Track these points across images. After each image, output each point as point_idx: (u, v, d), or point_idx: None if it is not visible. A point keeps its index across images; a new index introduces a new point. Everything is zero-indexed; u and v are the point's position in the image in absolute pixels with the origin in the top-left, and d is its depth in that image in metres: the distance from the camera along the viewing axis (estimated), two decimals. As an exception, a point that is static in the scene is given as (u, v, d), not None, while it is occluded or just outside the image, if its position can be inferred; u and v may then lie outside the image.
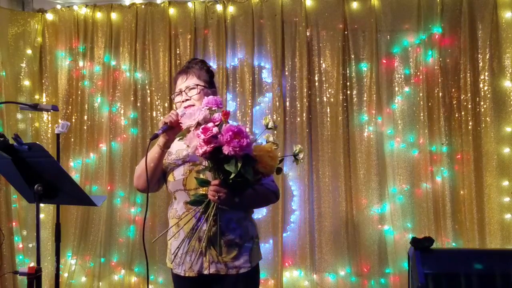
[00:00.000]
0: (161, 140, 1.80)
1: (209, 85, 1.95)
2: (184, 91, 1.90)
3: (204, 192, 1.72)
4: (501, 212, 3.32)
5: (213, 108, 1.63)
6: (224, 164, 1.56)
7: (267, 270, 3.53)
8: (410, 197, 3.47)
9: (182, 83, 1.92)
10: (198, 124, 1.58)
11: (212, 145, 1.52)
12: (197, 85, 1.89)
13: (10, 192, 3.61)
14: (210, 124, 1.55)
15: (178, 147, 1.87)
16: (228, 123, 1.60)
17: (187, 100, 1.88)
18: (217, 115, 1.61)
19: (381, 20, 3.52)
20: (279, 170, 1.70)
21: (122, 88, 3.81)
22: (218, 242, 1.72)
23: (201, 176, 1.74)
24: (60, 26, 3.88)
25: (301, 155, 1.73)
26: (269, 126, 1.71)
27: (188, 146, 1.60)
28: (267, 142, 1.69)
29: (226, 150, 1.53)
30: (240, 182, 1.58)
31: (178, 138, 1.82)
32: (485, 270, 2.84)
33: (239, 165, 1.53)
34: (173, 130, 1.77)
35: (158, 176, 1.89)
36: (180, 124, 1.68)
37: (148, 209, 3.68)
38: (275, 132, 3.57)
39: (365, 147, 3.51)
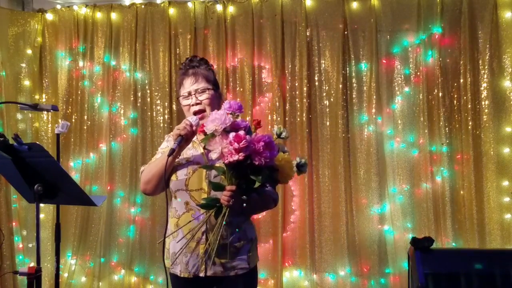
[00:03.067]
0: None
1: (216, 86, 1.93)
2: (194, 94, 1.86)
3: (215, 197, 1.70)
4: (501, 212, 3.32)
5: (237, 113, 1.62)
6: (251, 174, 1.55)
7: (267, 270, 3.53)
8: (410, 197, 3.47)
9: (191, 84, 1.87)
10: (223, 130, 1.56)
11: (243, 154, 1.50)
12: (207, 88, 1.87)
13: (10, 192, 3.61)
14: (241, 132, 1.53)
15: None
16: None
17: (197, 104, 1.85)
18: (240, 120, 1.60)
19: (381, 20, 3.52)
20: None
21: (122, 88, 3.81)
22: (221, 245, 1.71)
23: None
24: (60, 26, 3.88)
25: (305, 168, 1.73)
26: (283, 136, 1.70)
27: (206, 149, 1.59)
28: (279, 151, 1.66)
29: (257, 161, 1.52)
30: (252, 188, 1.58)
31: (200, 142, 1.78)
32: (485, 270, 2.85)
33: (266, 175, 1.54)
34: (187, 141, 1.75)
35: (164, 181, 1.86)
36: (200, 130, 1.65)
37: (148, 209, 3.71)
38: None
39: (365, 147, 3.51)
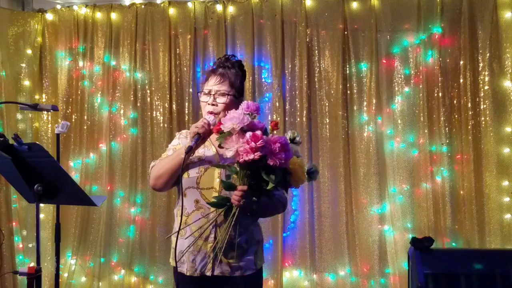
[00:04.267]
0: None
1: (239, 93, 1.91)
2: (214, 94, 1.85)
3: (225, 196, 1.71)
4: (501, 212, 3.32)
5: (254, 114, 1.62)
6: (264, 174, 1.55)
7: (267, 270, 3.53)
8: (410, 197, 3.47)
9: (215, 84, 1.86)
10: (241, 129, 1.56)
11: (259, 154, 1.50)
12: (228, 94, 1.85)
13: (10, 192, 3.61)
14: (258, 132, 1.54)
15: None
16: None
17: (213, 105, 1.84)
18: (257, 121, 1.60)
19: (381, 20, 3.52)
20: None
21: (122, 88, 3.81)
22: (228, 245, 1.71)
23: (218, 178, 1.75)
24: (60, 26, 3.87)
25: (316, 174, 1.74)
26: (296, 141, 1.70)
27: (221, 147, 1.58)
28: (293, 155, 1.67)
29: (272, 161, 1.52)
30: (263, 190, 1.59)
31: (217, 139, 1.76)
32: (485, 270, 2.85)
33: (279, 177, 1.54)
34: (203, 139, 1.75)
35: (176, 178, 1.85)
36: (215, 129, 1.65)
37: (148, 209, 3.71)
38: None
39: (365, 147, 3.51)
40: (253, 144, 1.50)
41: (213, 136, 1.77)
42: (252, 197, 1.64)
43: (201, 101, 1.89)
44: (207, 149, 1.85)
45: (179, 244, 1.82)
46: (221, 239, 1.69)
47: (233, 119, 1.56)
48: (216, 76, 1.87)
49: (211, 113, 1.83)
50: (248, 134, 1.53)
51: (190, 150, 1.68)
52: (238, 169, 1.63)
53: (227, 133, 1.58)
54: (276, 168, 1.54)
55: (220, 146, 1.63)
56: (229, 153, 1.56)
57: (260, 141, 1.50)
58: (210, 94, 1.86)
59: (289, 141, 1.67)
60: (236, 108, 1.72)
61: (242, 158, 1.52)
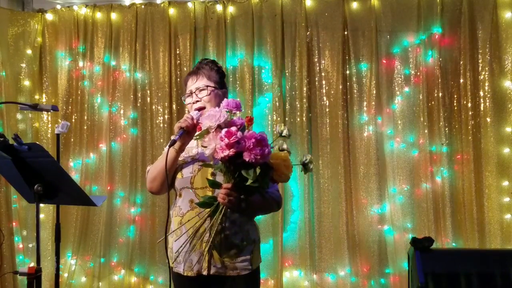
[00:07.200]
0: (176, 144, 1.76)
1: (220, 85, 1.94)
2: (194, 92, 1.89)
3: (213, 195, 1.72)
4: (501, 212, 3.32)
5: (234, 111, 1.62)
6: (242, 170, 1.55)
7: (267, 270, 3.53)
8: (410, 197, 3.47)
9: (192, 84, 1.91)
10: (218, 127, 1.57)
11: (234, 150, 1.50)
12: (207, 86, 1.88)
13: (10, 192, 3.61)
14: (233, 128, 1.53)
15: (188, 145, 1.85)
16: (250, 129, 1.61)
17: (197, 101, 1.87)
18: (237, 118, 1.61)
19: (381, 20, 3.52)
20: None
21: (122, 88, 3.81)
22: (223, 245, 1.72)
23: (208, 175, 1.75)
24: (60, 26, 3.88)
25: (311, 165, 1.72)
26: (284, 134, 1.69)
27: (203, 146, 1.59)
28: (279, 150, 1.66)
29: (247, 157, 1.52)
30: (250, 188, 1.58)
31: (195, 138, 1.80)
32: (485, 270, 2.85)
33: (258, 172, 1.53)
34: (189, 134, 1.76)
35: (171, 177, 1.86)
36: (198, 127, 1.67)
37: (149, 209, 3.71)
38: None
39: (365, 147, 3.51)
40: (226, 140, 1.51)
41: None
42: (240, 194, 1.63)
43: (186, 104, 1.94)
44: (200, 149, 1.85)
45: (175, 244, 1.82)
46: (213, 238, 1.70)
47: (210, 117, 1.58)
48: (192, 77, 1.93)
49: (198, 109, 1.85)
50: (223, 131, 1.54)
51: (174, 143, 1.70)
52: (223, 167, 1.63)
53: (204, 131, 1.59)
54: (254, 163, 1.53)
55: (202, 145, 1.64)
56: (207, 151, 1.58)
57: (233, 137, 1.51)
58: (192, 94, 1.90)
59: (277, 135, 1.68)
60: (222, 99, 1.76)
61: (218, 155, 1.53)
